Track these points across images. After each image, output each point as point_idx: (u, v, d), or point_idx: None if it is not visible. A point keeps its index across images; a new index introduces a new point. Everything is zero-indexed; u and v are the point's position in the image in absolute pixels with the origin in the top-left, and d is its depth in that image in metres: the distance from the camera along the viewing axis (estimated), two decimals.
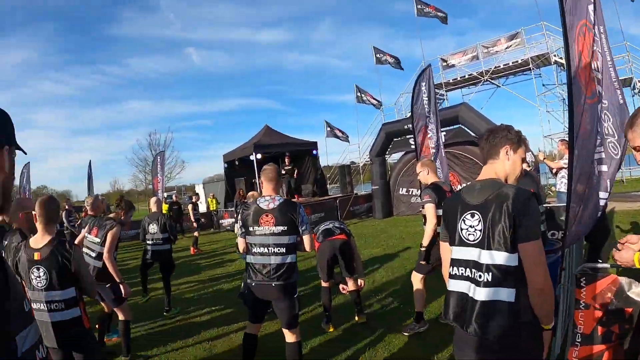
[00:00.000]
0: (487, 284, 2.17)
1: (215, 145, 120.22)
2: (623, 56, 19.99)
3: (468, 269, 2.28)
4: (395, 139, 17.84)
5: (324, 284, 5.83)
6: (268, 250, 3.98)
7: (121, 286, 5.00)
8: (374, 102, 27.50)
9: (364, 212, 19.41)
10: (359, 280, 5.92)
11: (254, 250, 4.05)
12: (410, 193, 17.21)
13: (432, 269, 5.21)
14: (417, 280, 5.27)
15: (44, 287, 3.24)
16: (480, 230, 2.23)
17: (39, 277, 3.24)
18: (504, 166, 2.39)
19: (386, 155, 18.96)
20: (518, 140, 2.41)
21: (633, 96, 20.00)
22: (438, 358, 4.55)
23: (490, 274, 2.17)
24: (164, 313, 7.01)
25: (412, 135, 16.23)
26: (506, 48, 22.64)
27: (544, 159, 10.22)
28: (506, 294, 2.13)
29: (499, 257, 2.15)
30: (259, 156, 17.99)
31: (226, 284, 8.98)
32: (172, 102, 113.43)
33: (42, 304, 3.24)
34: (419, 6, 24.13)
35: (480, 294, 2.18)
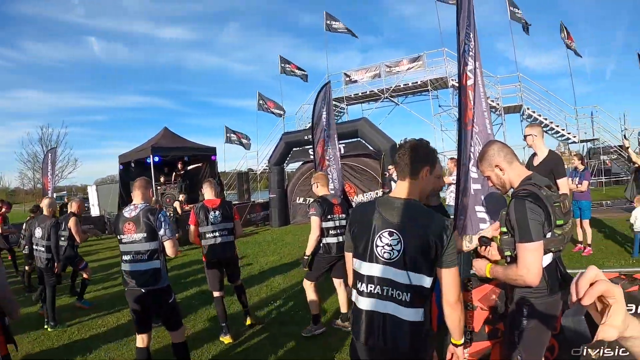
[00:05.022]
0: (400, 303, 2.20)
1: (110, 143, 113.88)
2: (515, 85, 22.16)
3: (379, 287, 2.25)
4: (294, 149, 18.06)
5: (216, 294, 5.65)
6: (133, 257, 4.08)
7: None
8: (276, 111, 27.50)
9: (261, 219, 19.34)
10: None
11: (123, 257, 4.14)
12: (306, 202, 17.45)
13: (321, 275, 5.51)
14: (307, 286, 5.50)
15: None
16: (398, 251, 2.20)
17: None
18: (419, 185, 2.36)
19: (284, 164, 19.13)
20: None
21: (522, 121, 22.00)
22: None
23: (405, 293, 2.20)
24: (46, 327, 6.46)
25: (311, 146, 16.64)
26: (407, 69, 23.71)
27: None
28: (417, 314, 2.21)
29: (416, 279, 2.19)
30: (156, 159, 17.40)
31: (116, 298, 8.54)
32: (67, 94, 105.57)
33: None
34: (329, 21, 24.55)
35: (391, 311, 2.22)
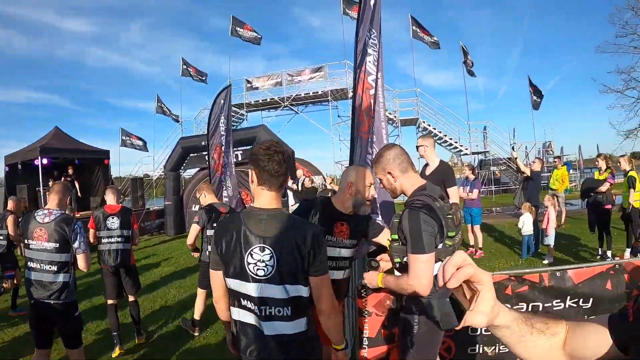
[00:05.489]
0: (282, 319, 2.14)
1: None
2: (413, 99, 23.59)
3: (258, 307, 2.15)
4: (191, 155, 17.57)
5: (110, 302, 5.43)
6: (41, 266, 3.83)
7: None
8: (172, 116, 26.81)
9: (156, 228, 18.45)
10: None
11: (30, 264, 3.88)
12: None
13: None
14: (199, 293, 5.72)
15: None
16: (272, 266, 2.11)
17: None
18: (281, 195, 2.30)
19: (181, 170, 18.58)
20: None
21: (417, 134, 23.22)
22: None
23: (285, 308, 2.14)
24: None
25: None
26: (309, 79, 24.17)
27: (331, 182, 11.02)
28: (300, 325, 2.18)
29: (293, 291, 2.15)
30: (44, 161, 15.82)
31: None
32: None
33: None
34: (234, 26, 24.29)
35: (274, 329, 2.14)
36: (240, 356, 2.23)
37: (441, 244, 2.50)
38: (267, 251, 2.10)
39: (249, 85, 25.39)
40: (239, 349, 2.23)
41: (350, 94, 22.37)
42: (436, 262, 2.49)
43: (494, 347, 3.45)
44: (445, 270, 0.94)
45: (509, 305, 3.20)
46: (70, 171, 16.87)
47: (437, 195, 2.56)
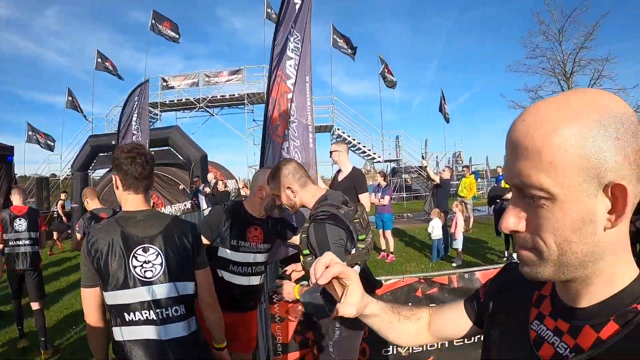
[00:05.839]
0: (177, 319, 2.08)
1: None
2: (328, 107, 24.03)
3: (150, 311, 2.03)
4: (100, 154, 16.83)
5: (16, 301, 5.43)
6: None
7: None
8: (82, 113, 25.67)
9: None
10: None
11: None
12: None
13: None
14: None
15: None
16: (160, 264, 2.06)
17: None
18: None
19: (89, 171, 17.72)
20: None
21: (332, 141, 23.61)
22: None
23: (179, 306, 2.09)
24: None
25: None
26: (227, 81, 24.01)
27: (243, 187, 11.00)
28: (192, 323, 2.14)
29: (184, 288, 2.12)
30: None
31: None
32: None
33: None
34: (155, 21, 23.69)
35: (173, 331, 2.06)
36: None
37: (354, 249, 2.47)
38: (151, 250, 2.05)
39: (165, 84, 24.74)
40: None
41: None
42: (353, 267, 2.48)
43: (407, 347, 3.54)
44: (315, 269, 1.04)
45: (411, 304, 3.36)
46: None
47: (340, 202, 2.51)
